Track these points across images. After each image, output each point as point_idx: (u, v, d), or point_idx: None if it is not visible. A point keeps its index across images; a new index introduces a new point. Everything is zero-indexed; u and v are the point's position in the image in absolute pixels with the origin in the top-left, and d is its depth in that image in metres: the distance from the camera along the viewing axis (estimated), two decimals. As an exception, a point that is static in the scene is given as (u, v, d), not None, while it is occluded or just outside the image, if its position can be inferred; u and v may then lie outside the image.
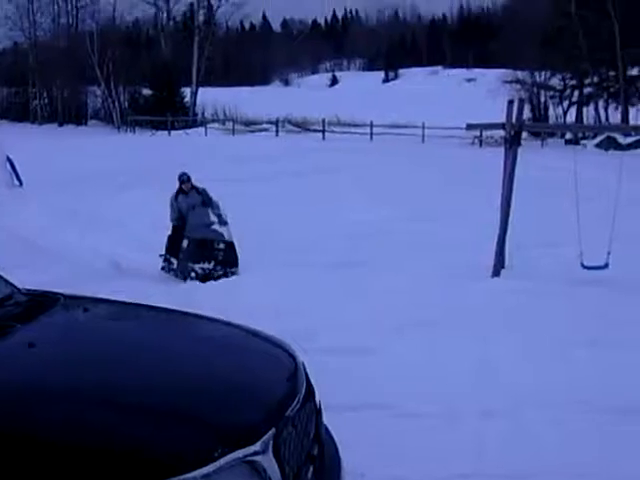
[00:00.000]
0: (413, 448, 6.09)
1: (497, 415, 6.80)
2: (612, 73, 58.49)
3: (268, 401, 3.72)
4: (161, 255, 14.69)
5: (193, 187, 14.79)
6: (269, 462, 3.49)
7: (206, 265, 14.14)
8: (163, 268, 14.73)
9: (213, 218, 14.54)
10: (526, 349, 8.80)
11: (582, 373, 7.93)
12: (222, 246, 14.36)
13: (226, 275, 14.09)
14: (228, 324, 4.70)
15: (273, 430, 3.51)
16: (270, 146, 43.27)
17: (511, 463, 6.01)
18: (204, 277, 13.94)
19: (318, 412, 4.18)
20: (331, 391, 5.89)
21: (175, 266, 14.48)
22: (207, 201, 14.64)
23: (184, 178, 14.85)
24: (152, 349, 4.18)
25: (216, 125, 62.00)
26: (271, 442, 3.48)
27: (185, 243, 14.36)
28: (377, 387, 7.33)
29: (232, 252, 14.43)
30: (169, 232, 14.91)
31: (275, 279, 12.74)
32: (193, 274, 14.04)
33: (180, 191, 14.75)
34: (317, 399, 4.19)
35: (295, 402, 3.81)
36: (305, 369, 4.23)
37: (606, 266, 12.06)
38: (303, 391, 3.99)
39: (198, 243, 14.28)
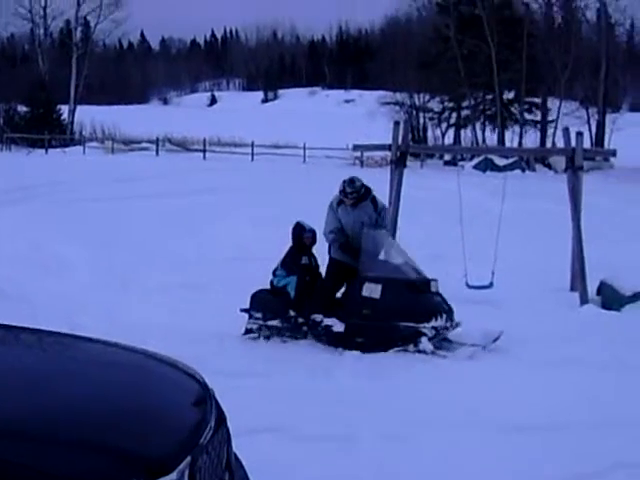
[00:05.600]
0: (310, 473, 6.03)
1: (396, 439, 6.80)
2: (489, 96, 59.97)
3: (182, 429, 3.60)
4: (243, 310, 10.84)
5: (365, 196, 10.67)
6: (185, 492, 3.39)
7: (439, 322, 9.89)
8: (250, 331, 10.71)
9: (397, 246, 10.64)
10: (423, 371, 8.88)
11: (476, 391, 8.04)
12: (436, 288, 10.24)
13: (447, 331, 10.09)
14: (133, 350, 4.55)
15: (188, 459, 3.40)
16: (151, 165, 42.80)
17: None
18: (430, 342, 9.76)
19: (229, 439, 4.11)
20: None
21: (335, 327, 10.09)
22: (380, 219, 10.78)
23: (345, 189, 10.55)
24: (55, 377, 3.98)
25: (95, 144, 61.07)
26: (187, 471, 3.37)
27: (377, 290, 10.01)
28: (273, 410, 7.26)
29: (440, 294, 10.32)
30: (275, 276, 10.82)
31: (159, 300, 12.62)
32: (424, 340, 9.70)
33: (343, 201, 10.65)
34: (228, 425, 4.11)
35: (208, 429, 3.72)
36: (215, 395, 4.15)
37: (490, 285, 12.25)
38: (215, 418, 3.90)
39: (407, 286, 10.20)
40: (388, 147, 13.70)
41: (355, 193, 10.51)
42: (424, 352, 9.59)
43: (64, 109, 68.60)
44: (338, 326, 10.07)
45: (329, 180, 34.71)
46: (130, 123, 66.79)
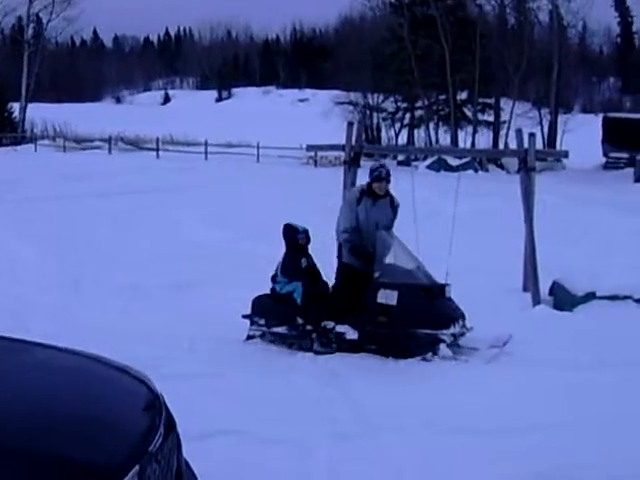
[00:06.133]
0: (265, 477, 5.97)
1: (352, 438, 6.77)
2: (442, 97, 60.16)
3: (130, 436, 3.51)
4: (245, 316, 10.48)
5: (389, 193, 10.37)
6: (133, 502, 3.30)
7: (457, 329, 9.61)
8: (252, 337, 10.43)
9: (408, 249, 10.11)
10: (376, 373, 8.87)
11: (431, 392, 8.04)
12: (449, 293, 9.91)
13: (462, 336, 9.78)
14: (81, 354, 4.45)
15: (137, 467, 3.32)
16: (103, 164, 42.58)
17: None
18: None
19: (179, 445, 4.03)
20: (178, 418, 5.75)
21: (349, 334, 9.73)
22: (394, 217, 10.41)
23: (381, 173, 10.14)
24: (0, 382, 3.90)
25: (46, 142, 60.45)
26: (135, 480, 3.30)
27: (393, 296, 9.60)
28: (227, 412, 7.20)
29: (452, 299, 9.96)
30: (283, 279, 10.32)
31: (111, 301, 12.51)
32: (442, 347, 9.40)
33: (368, 192, 10.19)
34: (178, 432, 4.04)
35: (157, 436, 3.63)
36: (164, 401, 4.07)
37: (445, 286, 12.23)
38: (164, 424, 3.82)
39: (424, 292, 9.76)
40: (342, 147, 13.66)
41: (389, 177, 10.15)
42: (444, 359, 9.28)
43: (15, 107, 67.81)
44: (351, 333, 9.70)
45: (282, 179, 34.72)
46: (83, 121, 66.27)
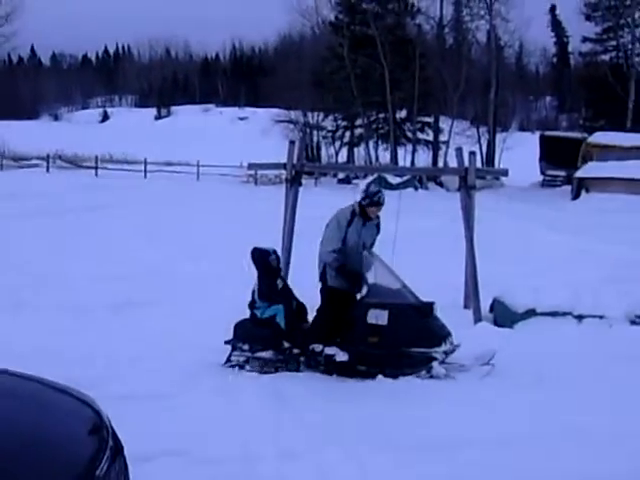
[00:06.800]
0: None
1: (298, 456, 6.75)
2: (382, 115, 60.54)
3: (76, 461, 3.46)
4: (227, 342, 10.14)
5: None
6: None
7: (448, 346, 9.56)
8: (229, 361, 10.12)
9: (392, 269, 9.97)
10: (322, 391, 8.86)
11: (377, 409, 8.04)
12: (436, 311, 9.79)
13: (452, 354, 9.72)
14: (21, 376, 4.37)
15: (84, 493, 3.28)
16: (41, 182, 42.06)
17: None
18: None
19: (126, 468, 3.97)
20: (123, 439, 5.67)
21: (338, 356, 9.53)
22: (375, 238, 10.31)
23: (380, 198, 9.98)
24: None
25: (-18, 160, 59.67)
26: (82, 506, 3.25)
27: (383, 316, 9.46)
28: (172, 433, 7.14)
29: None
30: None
31: (50, 323, 12.30)
32: (435, 365, 9.37)
33: (360, 213, 10.01)
34: (125, 455, 3.98)
35: (104, 460, 3.58)
36: (111, 424, 4.01)
37: (387, 304, 12.23)
38: (111, 448, 3.76)
39: (414, 311, 9.63)
40: (283, 166, 13.68)
41: (384, 203, 10.03)
42: (437, 377, 9.27)
43: (-50, 124, 66.91)
44: (341, 355, 9.56)
45: (223, 198, 34.56)
46: (20, 139, 65.51)
